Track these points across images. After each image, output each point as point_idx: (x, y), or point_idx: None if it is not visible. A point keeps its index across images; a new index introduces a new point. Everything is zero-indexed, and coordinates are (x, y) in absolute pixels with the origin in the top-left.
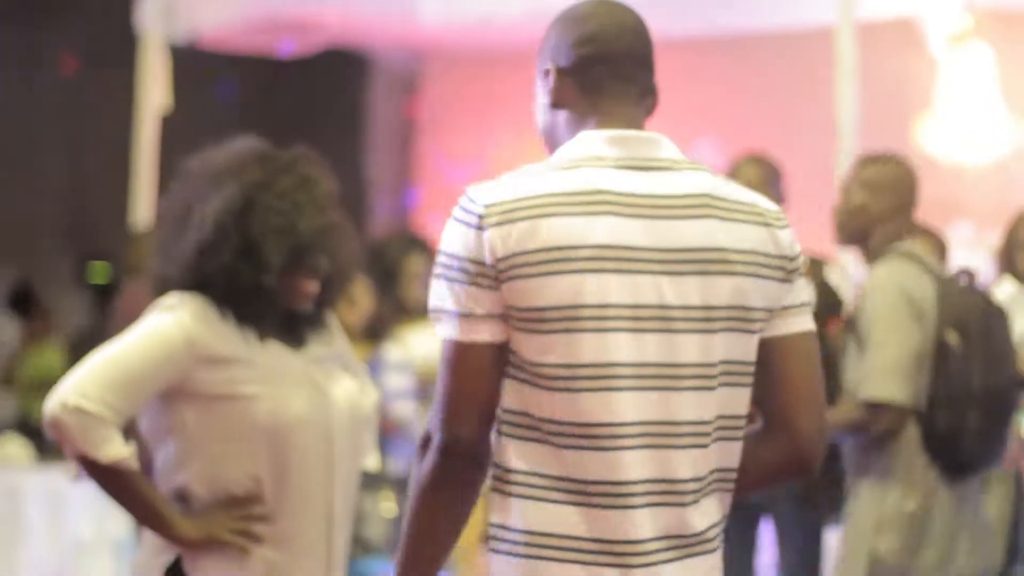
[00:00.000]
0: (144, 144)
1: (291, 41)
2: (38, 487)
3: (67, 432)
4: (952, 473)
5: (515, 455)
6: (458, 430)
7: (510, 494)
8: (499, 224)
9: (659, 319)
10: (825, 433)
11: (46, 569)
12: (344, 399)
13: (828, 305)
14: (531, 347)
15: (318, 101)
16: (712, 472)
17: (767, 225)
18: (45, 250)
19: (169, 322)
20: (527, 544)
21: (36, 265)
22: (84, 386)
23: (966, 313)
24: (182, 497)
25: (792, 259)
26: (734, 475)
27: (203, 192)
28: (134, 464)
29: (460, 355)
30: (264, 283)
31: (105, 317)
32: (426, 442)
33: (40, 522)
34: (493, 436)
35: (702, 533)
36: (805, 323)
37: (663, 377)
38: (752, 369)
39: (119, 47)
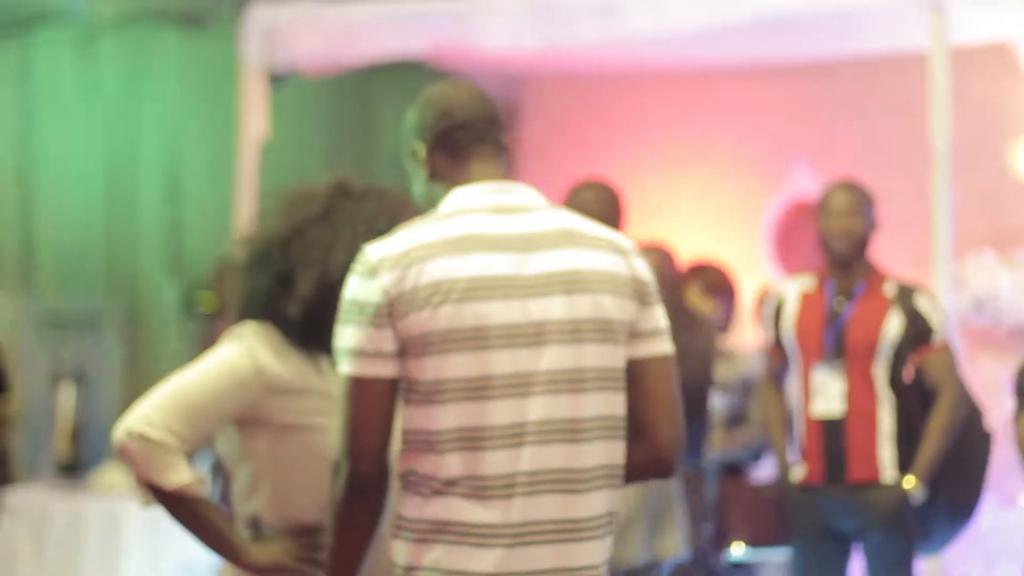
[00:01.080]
0: (245, 173)
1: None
2: (138, 514)
3: (132, 459)
4: None
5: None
6: (362, 457)
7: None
8: (390, 270)
9: (530, 335)
10: (682, 442)
11: None
12: None
13: (918, 332)
14: (423, 369)
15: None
16: (598, 467)
17: (623, 253)
18: (148, 280)
19: (237, 351)
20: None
21: (140, 294)
22: (150, 414)
23: None
24: (254, 524)
25: (646, 284)
26: (619, 471)
27: (276, 227)
28: (199, 490)
29: (359, 387)
30: (291, 312)
31: (206, 347)
32: (337, 468)
33: (140, 549)
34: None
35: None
36: (662, 347)
37: (535, 384)
38: (622, 376)
39: (219, 76)
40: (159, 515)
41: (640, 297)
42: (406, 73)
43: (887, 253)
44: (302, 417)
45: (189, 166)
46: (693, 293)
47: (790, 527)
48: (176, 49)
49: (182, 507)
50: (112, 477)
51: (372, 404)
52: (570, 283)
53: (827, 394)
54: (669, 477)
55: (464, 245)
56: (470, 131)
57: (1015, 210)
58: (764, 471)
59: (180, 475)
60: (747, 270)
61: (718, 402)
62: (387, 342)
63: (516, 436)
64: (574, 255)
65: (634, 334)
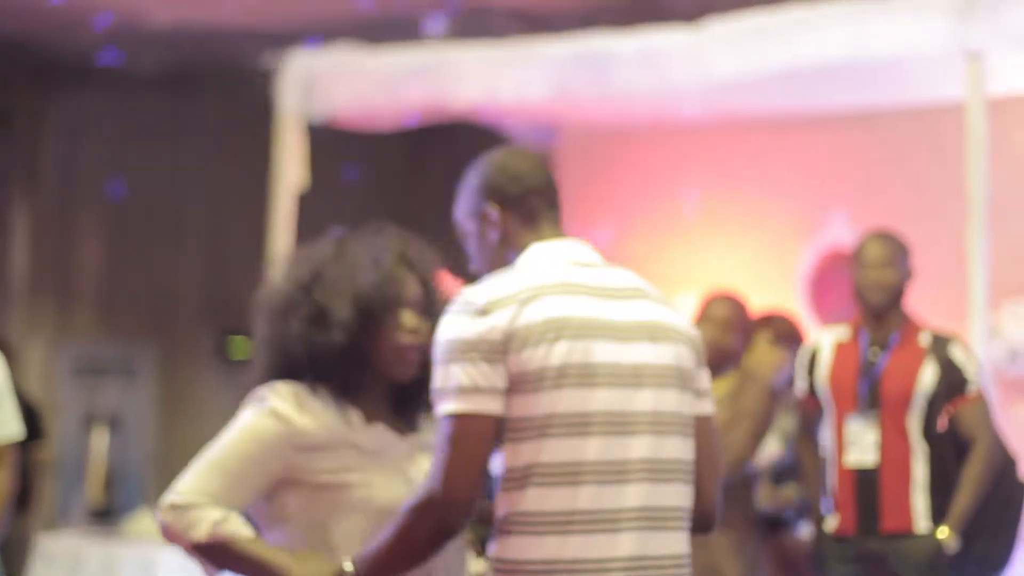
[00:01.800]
0: (280, 221)
1: (426, 118)
2: (171, 560)
3: (169, 530)
4: None
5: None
6: (457, 503)
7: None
8: (504, 307)
9: (629, 376)
10: (721, 499)
11: None
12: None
13: (953, 383)
14: (536, 405)
15: (453, 177)
16: (681, 508)
17: (679, 311)
18: (185, 325)
19: (263, 416)
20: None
21: (176, 340)
22: (181, 487)
23: None
24: None
25: (700, 344)
26: (689, 514)
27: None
28: (226, 529)
29: (465, 425)
30: (335, 340)
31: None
32: (425, 510)
33: None
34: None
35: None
36: (710, 407)
37: (614, 424)
38: (693, 423)
39: (257, 124)
40: (191, 562)
41: (698, 355)
42: (447, 126)
43: (924, 302)
44: (335, 475)
45: (227, 214)
46: (762, 343)
47: None
48: (215, 99)
49: (219, 553)
50: (145, 523)
51: (478, 443)
52: (654, 331)
53: (861, 444)
54: (710, 532)
55: (566, 289)
56: (543, 197)
57: None
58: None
59: (205, 524)
60: None
61: (765, 455)
62: (499, 378)
63: (619, 473)
64: (651, 307)
65: (692, 389)
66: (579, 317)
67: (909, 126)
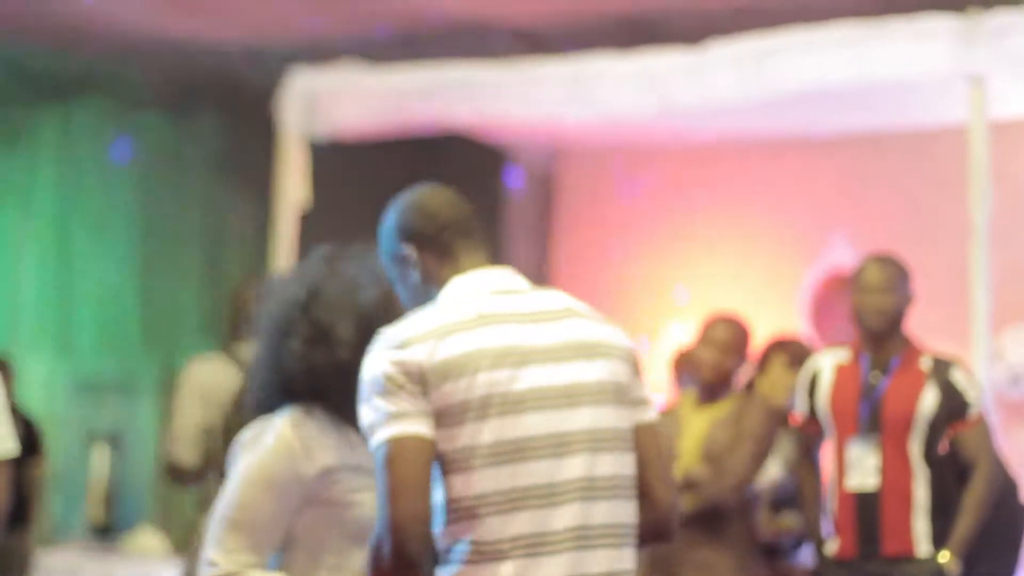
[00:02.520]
0: (283, 239)
1: (427, 137)
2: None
3: None
4: None
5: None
6: (406, 529)
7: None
8: (421, 343)
9: (561, 397)
10: (677, 505)
11: None
12: None
13: (954, 407)
14: (458, 437)
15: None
16: (625, 524)
17: (613, 326)
18: (185, 343)
19: (268, 457)
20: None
21: (176, 358)
22: (215, 558)
23: None
24: None
25: (636, 353)
26: (632, 530)
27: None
28: None
29: (400, 449)
30: (340, 358)
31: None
32: (379, 546)
33: None
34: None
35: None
36: (651, 415)
37: (549, 446)
38: (631, 438)
39: (258, 142)
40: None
41: (634, 367)
42: (448, 143)
43: (925, 325)
44: (343, 495)
45: (228, 231)
46: (777, 366)
47: None
48: (215, 116)
49: None
50: (144, 540)
51: (414, 467)
52: (585, 349)
53: (862, 468)
54: (670, 540)
55: (483, 321)
56: (458, 230)
57: None
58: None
59: None
60: None
61: (766, 478)
62: (423, 405)
63: (554, 495)
64: (581, 325)
65: (629, 401)
66: (499, 347)
67: (911, 150)
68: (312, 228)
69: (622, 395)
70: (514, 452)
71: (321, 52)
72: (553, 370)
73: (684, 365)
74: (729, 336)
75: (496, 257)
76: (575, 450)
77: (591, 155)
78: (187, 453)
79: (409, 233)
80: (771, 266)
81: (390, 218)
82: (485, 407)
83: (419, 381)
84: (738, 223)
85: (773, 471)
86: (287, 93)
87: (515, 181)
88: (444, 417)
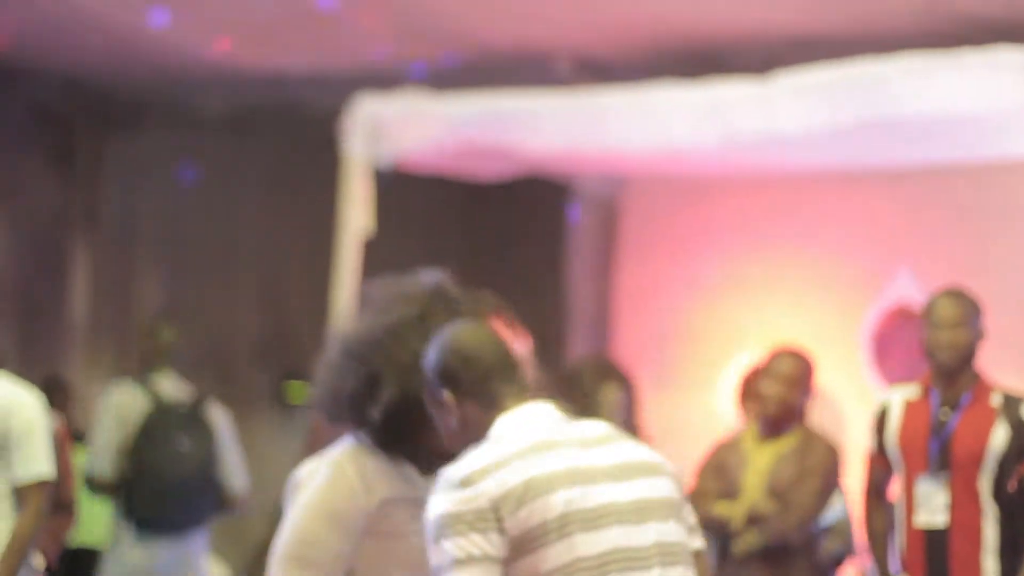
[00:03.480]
0: (345, 265)
1: (493, 166)
2: None
3: None
4: None
5: None
6: None
7: None
8: (484, 477)
9: (631, 512)
10: None
11: None
12: None
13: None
14: (544, 560)
15: (518, 227)
16: None
17: (654, 451)
18: (243, 368)
19: (330, 490)
20: None
21: (234, 382)
22: None
23: None
24: None
25: (680, 477)
26: None
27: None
28: None
29: None
30: (369, 417)
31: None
32: None
33: None
34: None
35: None
36: (701, 542)
37: (628, 560)
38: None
39: (321, 167)
40: None
41: (680, 490)
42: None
43: (993, 362)
44: (396, 525)
45: (287, 257)
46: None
47: None
48: (276, 141)
49: None
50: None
51: None
52: (643, 469)
53: (931, 506)
54: None
55: (541, 447)
56: (498, 376)
57: None
58: None
59: None
60: (847, 378)
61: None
62: (492, 546)
63: None
64: (631, 447)
65: (683, 521)
66: (565, 468)
67: (980, 182)
68: (374, 255)
69: (679, 513)
70: (598, 568)
71: (386, 79)
72: (622, 487)
73: (749, 396)
74: (793, 370)
75: (559, 293)
76: (651, 564)
77: (655, 186)
78: (105, 468)
79: (448, 379)
80: (835, 299)
81: (431, 355)
82: (565, 525)
83: (492, 514)
84: (801, 255)
85: (838, 507)
86: (351, 119)
87: (577, 215)
88: (525, 543)
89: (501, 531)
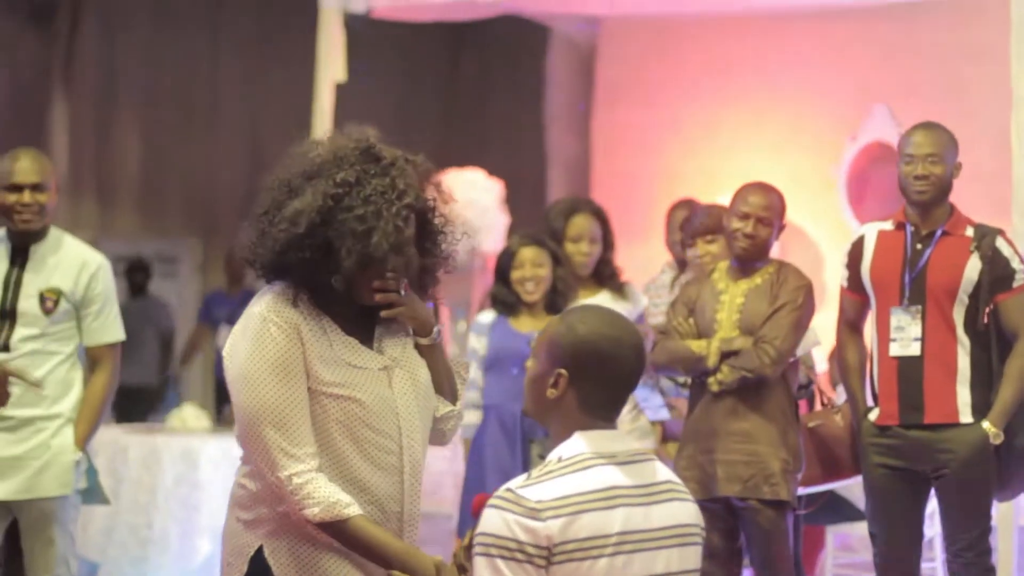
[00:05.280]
0: (321, 114)
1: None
2: (213, 451)
3: (297, 506)
4: None
5: None
6: None
7: None
8: (553, 517)
9: None
10: None
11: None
12: (406, 385)
13: (998, 276)
14: None
15: (491, 69)
16: None
17: (694, 502)
18: (226, 219)
19: (274, 334)
20: None
21: (216, 233)
22: (289, 468)
23: None
24: None
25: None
26: None
27: (299, 184)
28: (345, 512)
29: None
30: (333, 284)
31: None
32: None
33: (215, 484)
34: None
35: None
36: None
37: None
38: None
39: (296, 16)
40: (233, 451)
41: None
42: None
43: (968, 200)
44: (335, 387)
45: (267, 106)
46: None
47: (865, 468)
48: None
49: (339, 534)
50: (186, 417)
51: None
52: (681, 537)
53: (904, 337)
54: None
55: (614, 499)
56: (618, 398)
57: None
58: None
59: (321, 507)
60: (825, 218)
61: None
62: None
63: None
64: (679, 509)
65: None
66: (621, 532)
67: (954, 18)
68: (349, 102)
69: None
70: None
71: None
72: (656, 556)
73: (679, 230)
74: (759, 204)
75: (538, 137)
76: None
77: (629, 26)
78: None
79: (573, 367)
80: (811, 140)
81: (566, 331)
82: None
83: (545, 553)
84: (776, 95)
85: (812, 339)
86: None
87: (553, 58)
88: None
89: (546, 570)
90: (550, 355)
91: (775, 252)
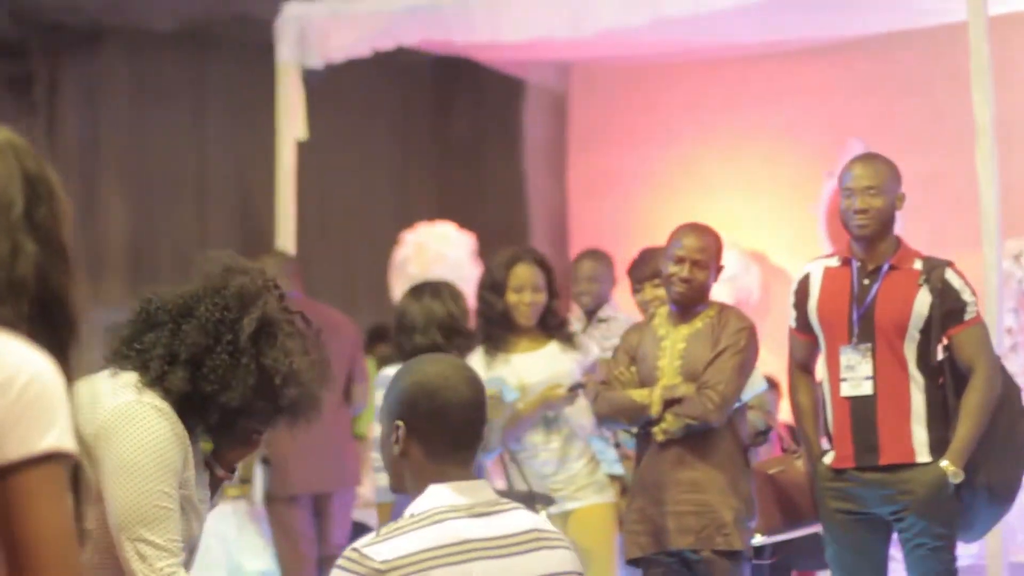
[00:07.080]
0: (284, 171)
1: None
2: None
3: None
4: None
5: None
6: None
7: None
8: (404, 571)
9: None
10: None
11: None
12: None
13: (949, 309)
14: None
15: (469, 121)
16: None
17: (568, 548)
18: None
19: (161, 436)
20: None
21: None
22: (151, 553)
23: None
24: None
25: None
26: None
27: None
28: None
29: None
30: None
31: None
32: None
33: None
34: None
35: None
36: None
37: None
38: None
39: (262, 77)
40: None
41: None
42: (445, 63)
43: (945, 231)
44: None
45: (248, 169)
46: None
47: (823, 514)
48: (230, 52)
49: None
50: None
51: None
52: None
53: (855, 376)
54: None
55: (463, 552)
56: (463, 442)
57: None
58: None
59: None
60: (803, 251)
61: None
62: None
63: None
64: (548, 558)
65: None
66: None
67: (924, 50)
68: (312, 158)
69: None
70: None
71: None
72: None
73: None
74: (696, 246)
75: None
76: None
77: (599, 71)
78: None
79: (409, 412)
80: (788, 176)
81: (397, 381)
82: None
83: None
84: (752, 134)
85: (758, 382)
86: (281, 24)
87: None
88: None
89: None
90: (387, 411)
91: (755, 293)
